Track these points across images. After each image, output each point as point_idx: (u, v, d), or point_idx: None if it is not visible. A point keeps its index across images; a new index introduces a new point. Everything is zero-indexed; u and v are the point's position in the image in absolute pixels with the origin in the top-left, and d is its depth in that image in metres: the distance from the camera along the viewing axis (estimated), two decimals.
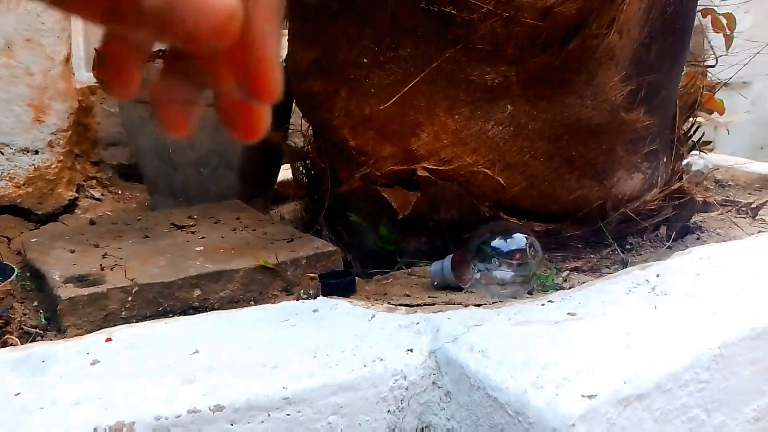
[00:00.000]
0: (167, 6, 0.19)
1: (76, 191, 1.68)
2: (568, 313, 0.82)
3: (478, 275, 0.98)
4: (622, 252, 1.16)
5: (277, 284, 1.05)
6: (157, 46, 0.25)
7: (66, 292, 0.94)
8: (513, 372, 0.69)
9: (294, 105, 1.33)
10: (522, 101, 1.08)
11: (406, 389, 0.75)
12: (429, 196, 1.12)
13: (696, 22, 1.30)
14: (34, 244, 1.17)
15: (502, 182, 1.10)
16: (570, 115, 1.09)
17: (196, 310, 0.99)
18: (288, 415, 0.69)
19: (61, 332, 0.93)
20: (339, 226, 1.25)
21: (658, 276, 0.93)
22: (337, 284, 1.01)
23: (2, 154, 1.52)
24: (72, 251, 1.11)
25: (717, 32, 1.48)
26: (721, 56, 1.44)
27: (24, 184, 1.55)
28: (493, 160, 1.10)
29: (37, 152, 1.56)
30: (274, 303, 0.95)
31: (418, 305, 0.93)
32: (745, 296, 0.86)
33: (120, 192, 1.78)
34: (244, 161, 1.51)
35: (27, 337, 0.93)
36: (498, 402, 0.69)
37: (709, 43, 1.46)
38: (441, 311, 0.86)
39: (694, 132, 1.40)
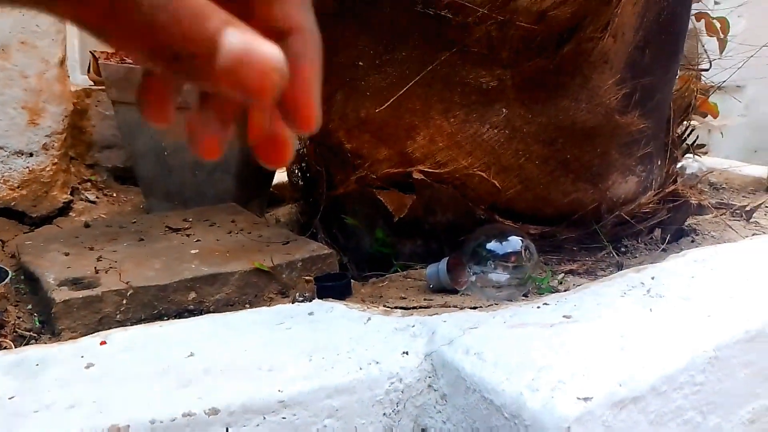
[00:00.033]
0: (230, 67, 0.21)
1: (71, 194, 1.67)
2: (564, 316, 0.82)
3: (473, 278, 0.98)
4: (617, 255, 1.16)
5: (273, 287, 1.05)
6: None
7: (60, 295, 0.93)
8: (509, 375, 0.69)
9: None
10: (517, 104, 1.09)
11: (402, 392, 0.75)
12: (424, 198, 1.12)
13: (690, 26, 1.31)
14: (29, 247, 1.17)
15: (498, 185, 1.11)
16: (565, 118, 1.09)
17: (191, 313, 0.98)
18: (283, 418, 0.69)
19: (55, 335, 0.92)
20: (335, 229, 1.25)
21: (653, 278, 0.93)
22: (332, 287, 1.01)
23: None
24: (66, 254, 1.11)
25: (711, 36, 1.49)
26: (714, 60, 1.45)
27: (18, 187, 1.55)
28: (488, 163, 1.10)
29: (31, 155, 1.56)
30: (269, 306, 0.95)
31: (414, 308, 0.93)
32: (740, 299, 0.86)
33: (115, 195, 1.77)
34: (240, 164, 1.51)
35: (21, 341, 0.93)
36: (494, 405, 0.69)
37: (703, 46, 1.47)
38: (437, 314, 0.86)
39: (689, 135, 1.41)
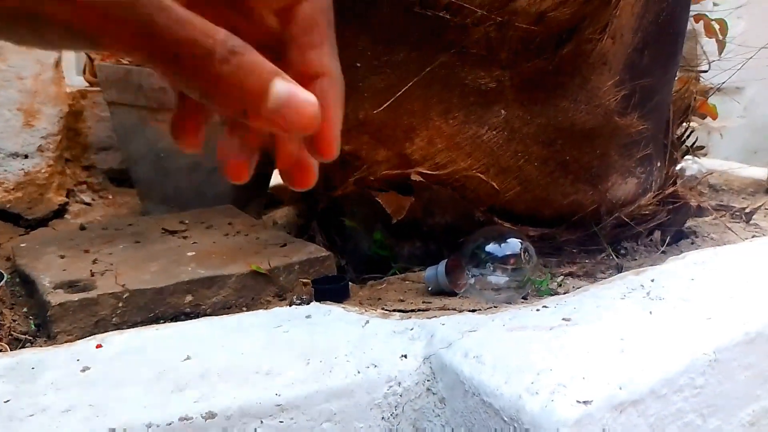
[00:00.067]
0: (277, 109, 0.26)
1: (67, 196, 1.67)
2: (563, 319, 0.81)
3: (472, 280, 0.98)
4: (617, 257, 1.15)
5: (270, 290, 1.05)
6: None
7: (56, 297, 0.93)
8: (508, 378, 0.69)
9: None
10: (516, 106, 1.08)
11: (401, 395, 0.75)
12: (423, 200, 1.12)
13: (689, 28, 1.30)
14: (24, 250, 1.16)
15: (497, 187, 1.10)
16: (564, 119, 1.09)
17: (188, 316, 0.98)
18: (281, 422, 0.68)
19: (51, 338, 0.92)
20: (332, 231, 1.25)
21: (652, 281, 0.93)
22: (330, 290, 1.00)
23: None
24: (62, 257, 1.10)
25: (710, 37, 1.49)
26: (714, 61, 1.45)
27: (14, 189, 1.54)
28: (487, 165, 1.10)
29: (27, 157, 1.55)
30: (266, 309, 0.94)
31: (413, 311, 0.93)
32: (740, 301, 0.86)
33: (111, 197, 1.77)
34: None
35: (17, 344, 0.92)
36: (493, 408, 0.68)
37: (702, 48, 1.47)
38: (435, 317, 0.85)
39: (688, 137, 1.41)
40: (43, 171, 1.58)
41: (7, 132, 1.52)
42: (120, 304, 0.95)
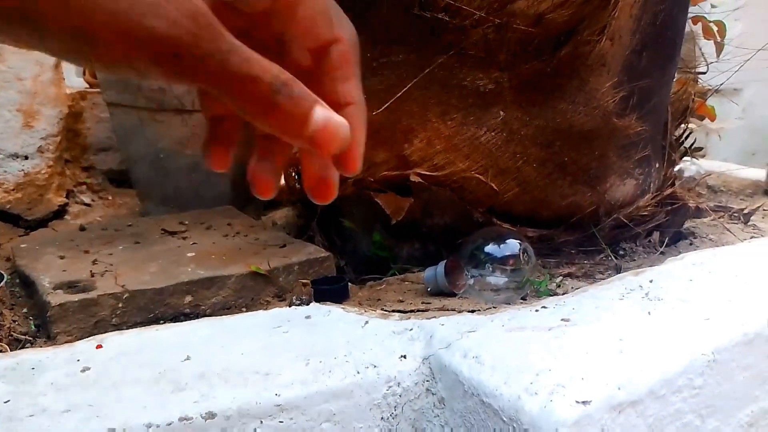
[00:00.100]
0: (315, 132, 0.30)
1: (66, 197, 1.67)
2: (562, 319, 0.82)
3: (471, 281, 0.98)
4: (616, 258, 1.16)
5: (270, 290, 1.05)
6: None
7: (56, 298, 0.93)
8: (507, 378, 0.69)
9: None
10: (514, 107, 1.08)
11: (400, 396, 0.75)
12: (422, 201, 1.12)
13: (687, 29, 1.31)
14: (24, 250, 1.16)
15: (495, 188, 1.10)
16: (562, 121, 1.09)
17: (188, 317, 0.98)
18: (281, 422, 0.69)
19: (51, 339, 0.92)
20: (332, 232, 1.25)
21: (651, 282, 0.93)
22: (329, 290, 1.01)
23: None
24: (62, 257, 1.11)
25: (708, 39, 1.50)
26: (712, 63, 1.45)
27: (13, 190, 1.54)
28: (485, 166, 1.10)
29: (26, 158, 1.55)
30: (266, 309, 0.94)
31: (412, 311, 0.93)
32: (738, 302, 0.86)
33: (110, 198, 1.77)
34: (236, 167, 1.50)
35: (17, 344, 0.92)
36: (492, 408, 0.68)
37: (700, 50, 1.47)
38: (434, 317, 0.85)
39: (686, 138, 1.41)
40: (42, 172, 1.58)
41: (7, 133, 1.52)
42: (120, 305, 0.95)
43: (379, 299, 1.01)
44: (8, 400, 0.67)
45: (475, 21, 1.02)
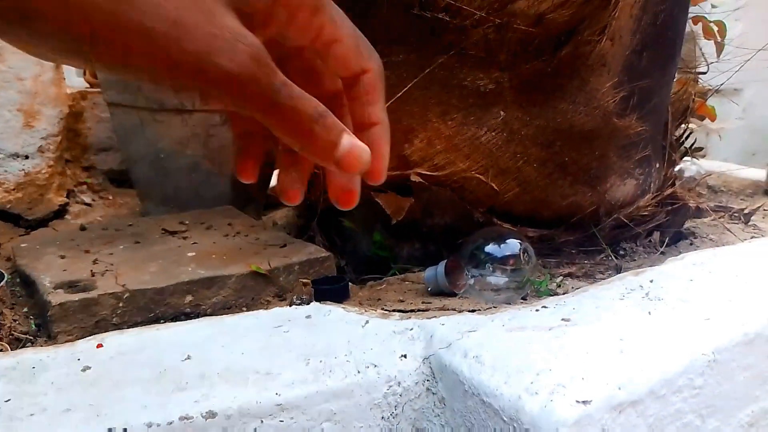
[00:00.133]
0: (342, 157, 0.35)
1: (67, 197, 1.67)
2: (563, 319, 0.82)
3: (471, 281, 0.98)
4: (616, 258, 1.16)
5: (270, 290, 1.05)
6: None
7: (56, 298, 0.93)
8: (507, 378, 0.69)
9: None
10: (515, 107, 1.08)
11: (400, 395, 0.75)
12: (422, 201, 1.12)
13: (687, 29, 1.31)
14: (24, 250, 1.16)
15: (496, 188, 1.10)
16: (563, 121, 1.09)
17: (188, 317, 0.98)
18: (281, 421, 0.69)
19: (51, 338, 0.92)
20: (332, 232, 1.25)
21: (651, 281, 0.93)
22: (330, 290, 1.01)
23: None
24: (62, 257, 1.11)
25: (708, 39, 1.50)
26: (712, 63, 1.45)
27: (14, 190, 1.54)
28: (486, 166, 1.10)
29: (27, 157, 1.55)
30: (266, 309, 0.94)
31: (412, 311, 0.93)
32: (738, 302, 0.86)
33: (111, 198, 1.77)
34: None
35: (17, 344, 0.93)
36: (492, 408, 0.68)
37: (701, 50, 1.47)
38: (435, 317, 0.85)
39: (687, 138, 1.41)
40: (43, 171, 1.58)
41: (8, 133, 1.53)
42: (120, 305, 0.95)
43: (380, 299, 1.01)
44: (9, 400, 0.67)
45: (476, 21, 1.02)
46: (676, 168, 1.37)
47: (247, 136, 0.41)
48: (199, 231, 1.24)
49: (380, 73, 0.41)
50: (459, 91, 1.08)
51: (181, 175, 1.52)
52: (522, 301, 0.97)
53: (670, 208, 1.25)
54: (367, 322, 0.85)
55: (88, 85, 1.85)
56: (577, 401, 0.64)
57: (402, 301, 0.99)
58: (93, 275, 1.02)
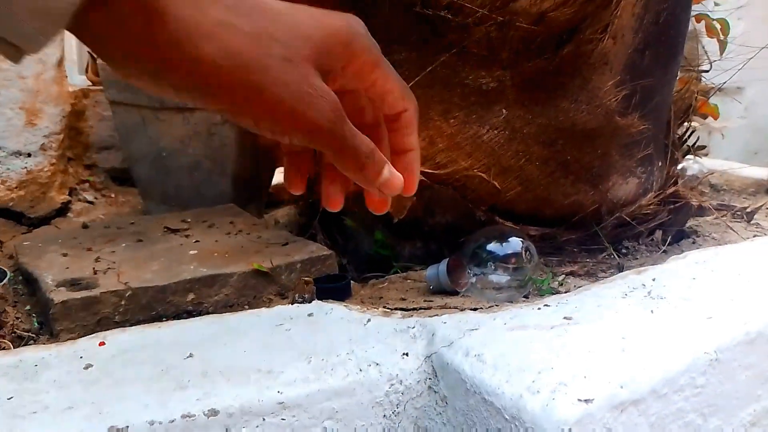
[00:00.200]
0: (384, 183, 0.47)
1: (69, 195, 1.67)
2: (565, 318, 0.82)
3: (473, 279, 0.98)
4: (618, 256, 1.16)
5: (272, 288, 1.05)
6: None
7: (59, 296, 0.93)
8: (509, 377, 0.69)
9: None
10: (517, 105, 1.08)
11: (402, 394, 0.75)
12: (424, 200, 1.12)
13: (690, 28, 1.31)
14: (27, 248, 1.16)
15: (498, 186, 1.10)
16: (565, 119, 1.09)
17: (190, 315, 0.98)
18: (283, 419, 0.69)
19: (53, 336, 0.92)
20: (334, 230, 1.25)
21: (654, 280, 0.93)
22: (332, 288, 1.01)
23: None
24: (65, 255, 1.11)
25: (711, 37, 1.49)
26: (715, 61, 1.45)
27: (16, 188, 1.54)
28: (488, 165, 1.10)
29: (29, 155, 1.56)
30: (268, 307, 0.95)
31: (414, 309, 0.93)
32: (741, 300, 0.86)
33: (113, 196, 1.77)
34: (238, 166, 1.51)
35: (19, 342, 0.93)
36: (494, 407, 0.68)
37: (703, 48, 1.47)
38: (437, 315, 0.85)
39: (689, 137, 1.41)
40: (45, 170, 1.58)
41: (10, 131, 1.53)
42: (122, 303, 0.95)
43: (381, 297, 1.01)
44: (11, 397, 0.68)
45: (478, 19, 1.02)
46: (679, 166, 1.37)
47: (296, 155, 0.50)
48: (201, 229, 1.24)
49: (416, 110, 0.51)
50: (461, 90, 1.07)
51: (183, 174, 1.52)
52: (524, 299, 0.97)
53: (672, 206, 1.24)
54: (368, 320, 0.85)
55: (90, 84, 1.85)
56: (579, 400, 0.64)
57: (404, 299, 0.99)
58: (95, 273, 1.02)
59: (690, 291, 0.89)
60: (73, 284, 0.98)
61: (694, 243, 1.25)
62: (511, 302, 0.94)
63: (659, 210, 1.23)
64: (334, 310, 0.89)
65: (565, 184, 1.13)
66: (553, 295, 0.94)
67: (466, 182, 1.11)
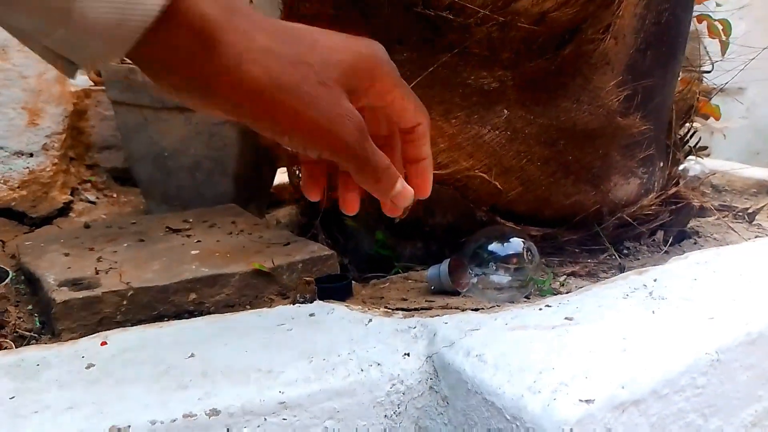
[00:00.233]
0: (396, 195, 0.53)
1: (71, 195, 1.67)
2: (566, 318, 0.82)
3: (474, 280, 0.98)
4: (619, 257, 1.16)
5: (273, 288, 1.05)
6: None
7: (60, 295, 0.93)
8: (510, 377, 0.69)
9: None
10: (518, 106, 1.08)
11: (403, 394, 0.75)
12: (425, 200, 1.12)
13: (691, 28, 1.31)
14: (29, 248, 1.17)
15: (499, 186, 1.10)
16: (566, 119, 1.09)
17: (192, 315, 0.98)
18: (284, 419, 0.69)
19: (55, 336, 0.92)
20: (335, 231, 1.25)
21: (655, 281, 0.93)
22: (333, 288, 1.01)
23: None
24: (66, 255, 1.11)
25: (712, 38, 1.49)
26: (716, 62, 1.44)
27: (18, 187, 1.55)
28: (489, 165, 1.10)
29: (31, 155, 1.56)
30: (269, 307, 0.95)
31: (415, 309, 0.93)
32: (742, 301, 0.86)
33: (115, 196, 1.77)
34: (239, 166, 1.51)
35: (21, 341, 0.93)
36: (495, 407, 0.68)
37: (705, 48, 1.47)
38: (438, 316, 0.85)
39: (690, 137, 1.41)
40: (47, 169, 1.58)
41: (12, 131, 1.53)
42: (124, 302, 0.95)
43: (382, 297, 1.01)
44: (13, 397, 0.68)
45: (479, 19, 1.02)
46: (680, 167, 1.36)
47: (313, 164, 0.55)
48: (202, 229, 1.24)
49: (428, 123, 0.56)
50: (462, 90, 1.08)
51: (184, 174, 1.52)
52: (525, 300, 0.97)
53: (673, 207, 1.24)
54: (369, 320, 0.85)
55: (91, 84, 1.86)
56: (580, 400, 0.64)
57: (405, 299, 1.00)
58: (97, 273, 1.02)
59: (691, 291, 0.89)
60: (75, 284, 0.98)
61: (695, 243, 1.25)
62: (512, 302, 0.94)
63: (660, 210, 1.23)
64: (335, 310, 0.89)
65: (567, 185, 1.13)
66: (554, 296, 0.94)
67: (467, 182, 1.11)
